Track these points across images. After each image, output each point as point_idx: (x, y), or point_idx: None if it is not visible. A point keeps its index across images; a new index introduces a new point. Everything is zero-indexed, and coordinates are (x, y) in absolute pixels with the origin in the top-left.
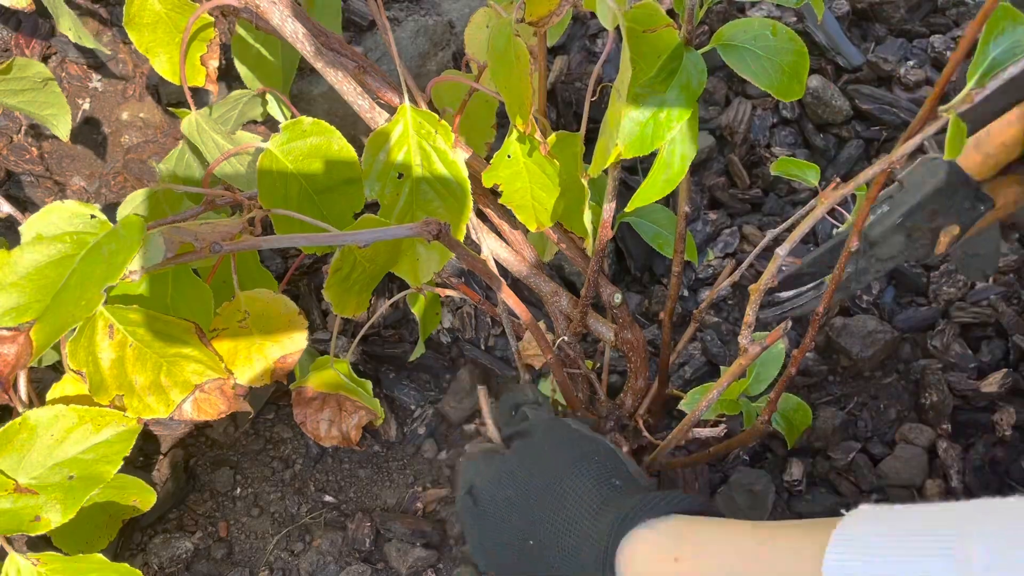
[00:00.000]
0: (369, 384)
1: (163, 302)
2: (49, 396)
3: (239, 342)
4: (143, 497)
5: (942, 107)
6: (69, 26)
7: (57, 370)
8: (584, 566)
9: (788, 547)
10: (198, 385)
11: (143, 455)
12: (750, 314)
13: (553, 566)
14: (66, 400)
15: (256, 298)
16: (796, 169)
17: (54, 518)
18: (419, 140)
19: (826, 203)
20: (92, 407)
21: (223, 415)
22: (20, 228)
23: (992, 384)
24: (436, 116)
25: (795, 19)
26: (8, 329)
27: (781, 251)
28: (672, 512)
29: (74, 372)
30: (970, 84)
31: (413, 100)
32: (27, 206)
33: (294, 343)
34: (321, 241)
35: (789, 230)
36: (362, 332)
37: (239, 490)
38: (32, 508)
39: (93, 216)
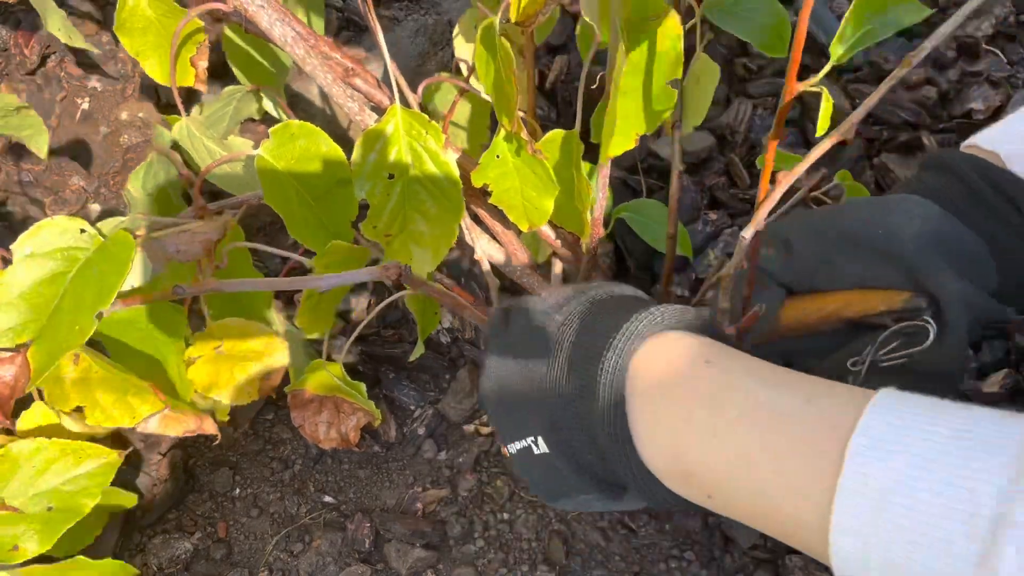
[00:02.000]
0: (363, 386)
1: (139, 326)
2: (20, 427)
3: (219, 366)
4: (123, 500)
5: (804, 83)
6: (59, 26)
7: None
8: (593, 361)
9: (825, 410)
10: (167, 404)
11: (142, 456)
12: (724, 300)
13: (557, 376)
14: (39, 431)
15: (229, 327)
16: (781, 162)
17: (31, 547)
18: (410, 141)
19: (782, 185)
20: (73, 440)
21: (191, 434)
22: (12, 246)
23: (992, 384)
24: (426, 117)
25: (795, 18)
26: (5, 351)
27: (746, 234)
28: (702, 333)
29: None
30: (833, 59)
31: (404, 101)
32: (26, 207)
33: (275, 360)
34: (283, 286)
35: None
36: (356, 331)
37: (238, 491)
38: (10, 538)
39: (83, 231)
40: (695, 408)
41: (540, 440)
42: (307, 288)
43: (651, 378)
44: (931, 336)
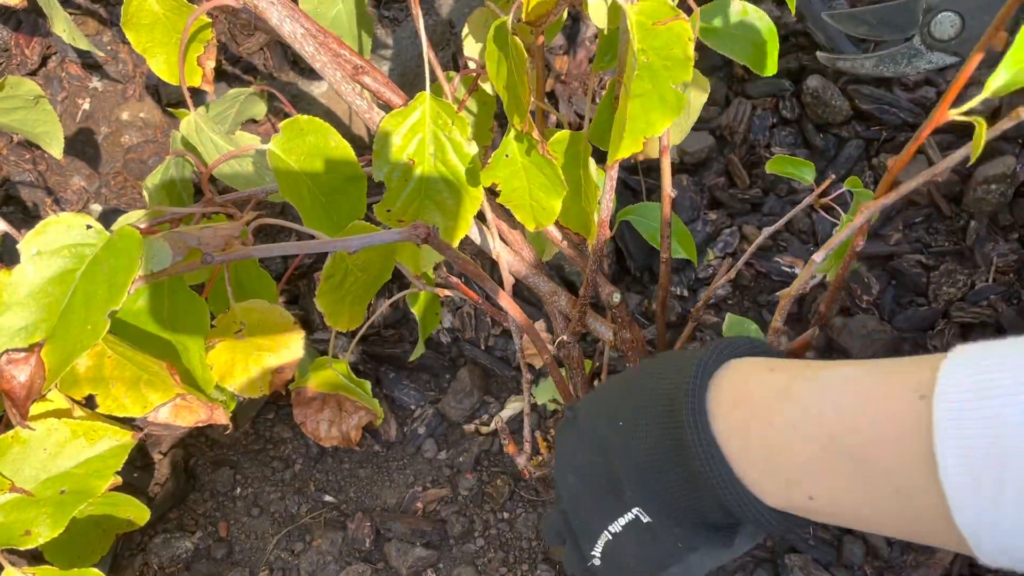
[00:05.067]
0: (368, 384)
1: (160, 316)
2: (32, 411)
3: (236, 353)
4: (136, 514)
5: (955, 111)
6: (64, 28)
7: None
8: (672, 405)
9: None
10: (179, 394)
11: (142, 456)
12: (778, 320)
13: (639, 434)
14: (52, 414)
15: (252, 309)
16: (792, 167)
17: (43, 532)
18: (435, 129)
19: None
20: (84, 420)
21: (202, 424)
22: (18, 246)
23: None
24: (454, 107)
25: (795, 20)
26: (18, 351)
27: (817, 257)
28: (761, 354)
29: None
30: (986, 92)
31: (437, 87)
32: (27, 207)
33: (291, 352)
34: (310, 248)
35: (786, 228)
36: (361, 331)
37: (239, 490)
38: (22, 522)
39: (89, 227)
40: (770, 411)
41: (641, 511)
42: (336, 249)
43: (728, 404)
44: None
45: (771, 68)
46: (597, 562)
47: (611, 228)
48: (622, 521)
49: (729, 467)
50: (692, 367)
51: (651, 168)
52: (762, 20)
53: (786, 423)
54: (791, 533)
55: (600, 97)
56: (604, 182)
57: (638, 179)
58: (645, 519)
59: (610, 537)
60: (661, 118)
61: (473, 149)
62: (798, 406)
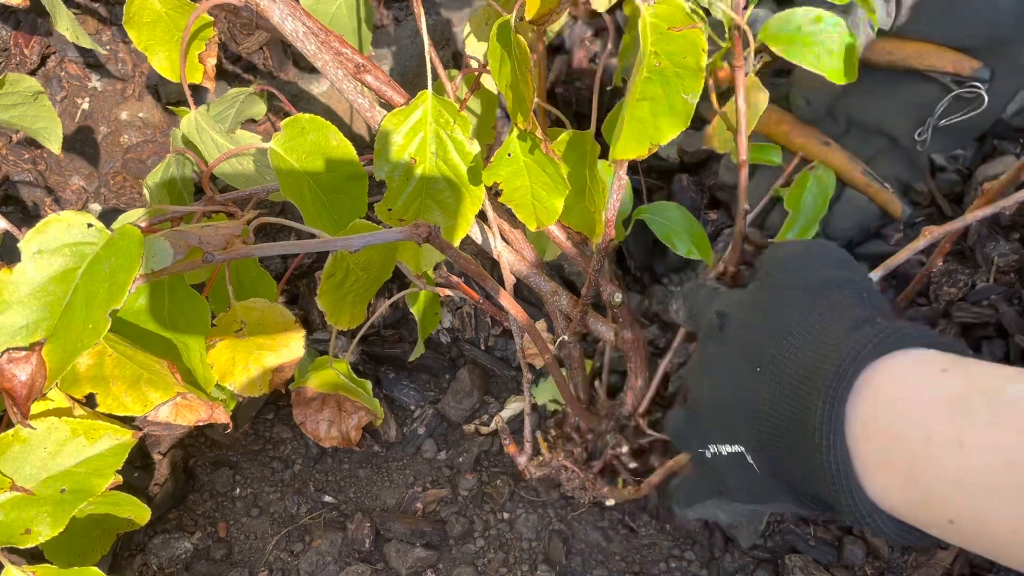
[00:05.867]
0: (368, 384)
1: (161, 315)
2: (32, 410)
3: (237, 352)
4: (137, 514)
5: None
6: (67, 26)
7: None
8: (810, 382)
9: None
10: (180, 392)
11: (142, 456)
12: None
13: (771, 391)
14: (52, 413)
15: (252, 307)
16: (759, 153)
17: (44, 531)
18: (436, 128)
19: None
20: (85, 419)
21: (202, 423)
22: (19, 245)
23: None
24: (456, 106)
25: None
26: (19, 350)
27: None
28: (939, 348)
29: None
30: None
31: (439, 86)
32: (26, 207)
33: (291, 351)
34: (311, 247)
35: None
36: (361, 332)
37: (239, 490)
38: (22, 521)
39: (90, 225)
40: (934, 421)
41: (747, 453)
42: (337, 248)
43: (878, 401)
44: (985, 103)
45: (851, 75)
46: (708, 455)
47: (626, 228)
48: (735, 448)
49: (859, 483)
50: (849, 345)
51: (651, 168)
52: (837, 27)
53: (950, 439)
54: (902, 542)
55: (606, 94)
56: (612, 181)
57: (638, 179)
58: (750, 461)
59: (728, 452)
60: (670, 126)
61: (475, 148)
62: (973, 422)
